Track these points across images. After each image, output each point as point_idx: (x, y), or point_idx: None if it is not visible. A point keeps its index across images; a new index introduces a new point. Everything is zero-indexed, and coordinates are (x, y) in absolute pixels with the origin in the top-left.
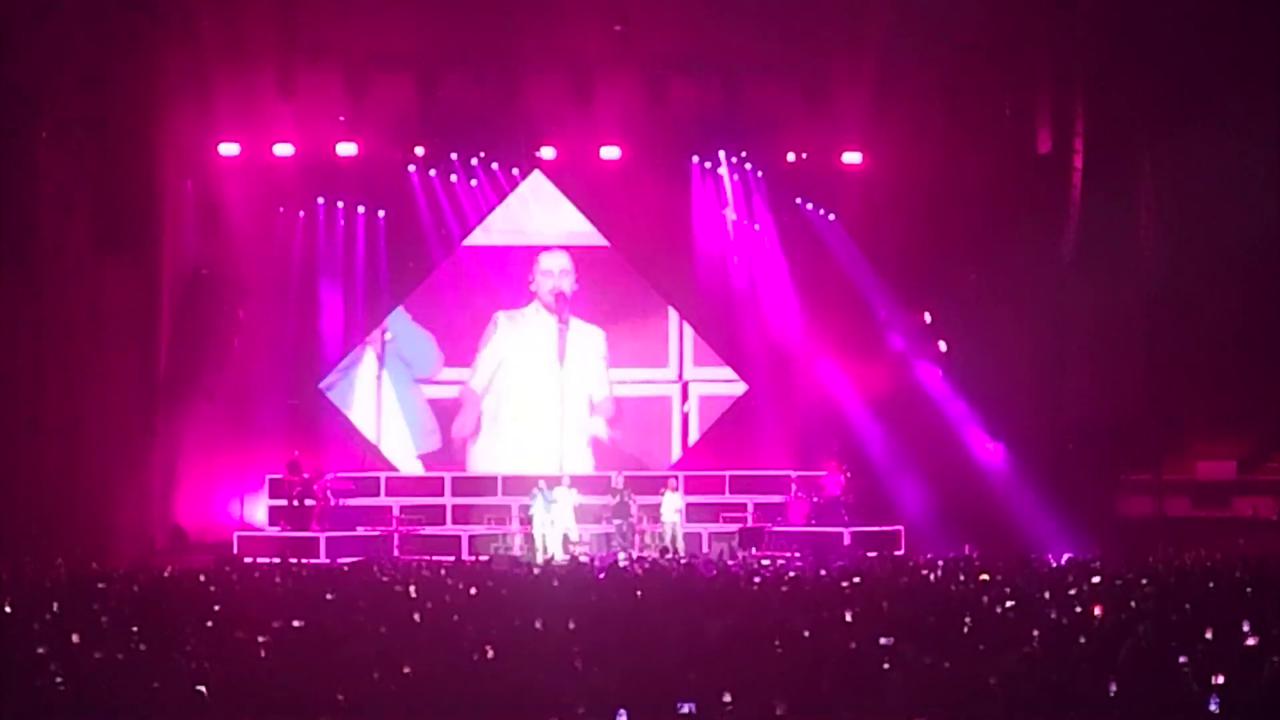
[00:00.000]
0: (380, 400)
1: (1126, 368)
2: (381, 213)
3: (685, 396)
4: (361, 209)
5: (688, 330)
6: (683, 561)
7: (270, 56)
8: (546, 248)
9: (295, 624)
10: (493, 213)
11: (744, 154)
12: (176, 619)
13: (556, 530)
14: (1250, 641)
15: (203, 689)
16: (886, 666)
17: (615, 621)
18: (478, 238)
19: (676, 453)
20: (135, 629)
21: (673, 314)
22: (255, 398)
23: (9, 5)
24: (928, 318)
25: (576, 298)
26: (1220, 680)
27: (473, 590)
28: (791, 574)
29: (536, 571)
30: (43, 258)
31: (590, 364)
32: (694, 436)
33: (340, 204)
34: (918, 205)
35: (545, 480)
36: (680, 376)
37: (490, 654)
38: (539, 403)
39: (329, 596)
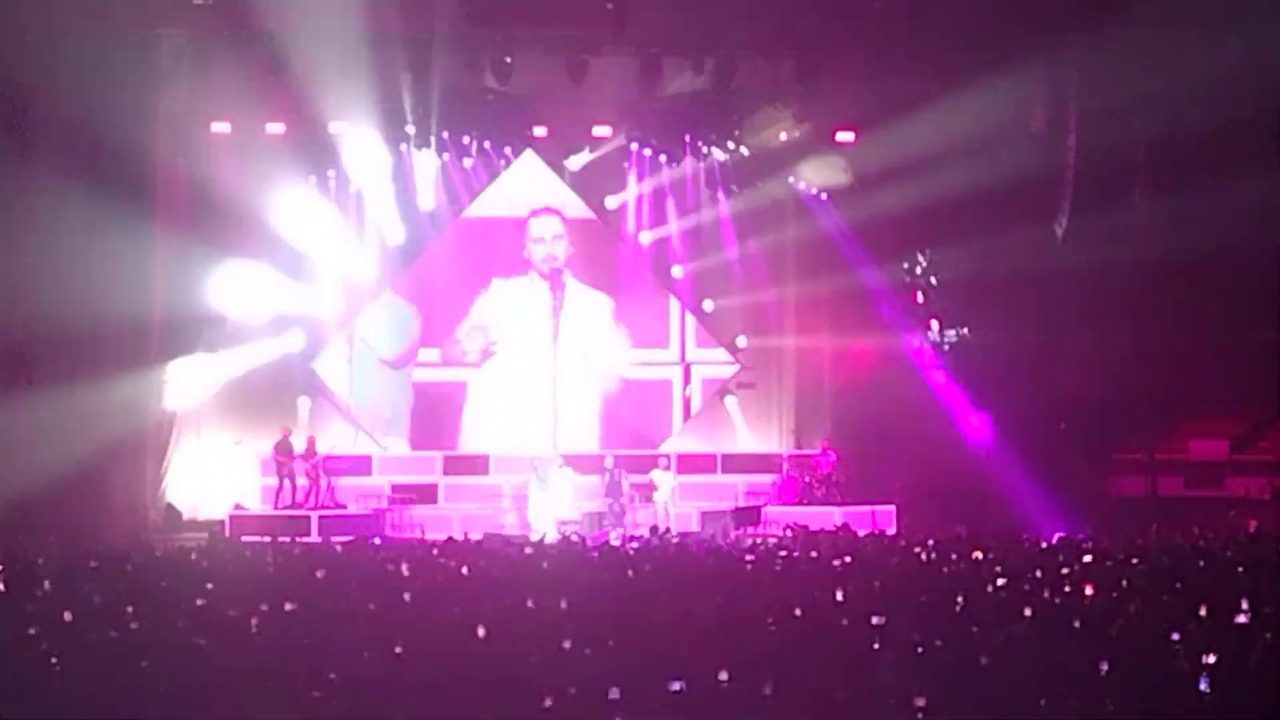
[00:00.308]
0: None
1: (1119, 347)
2: (373, 190)
3: (687, 379)
4: (353, 187)
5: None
6: (674, 541)
7: (264, 35)
8: (536, 212)
9: (287, 605)
10: (484, 191)
11: (737, 132)
12: (169, 598)
13: (550, 510)
14: (1241, 620)
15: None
16: (878, 645)
17: (607, 601)
18: (470, 214)
19: (673, 432)
20: (128, 608)
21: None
22: (248, 377)
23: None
24: (920, 297)
25: (574, 262)
26: (1211, 659)
27: (464, 569)
28: (783, 553)
29: (529, 551)
30: (36, 237)
31: (593, 332)
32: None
33: (331, 182)
34: (911, 184)
35: (539, 460)
36: (683, 359)
37: (481, 633)
38: (534, 379)
39: (320, 575)
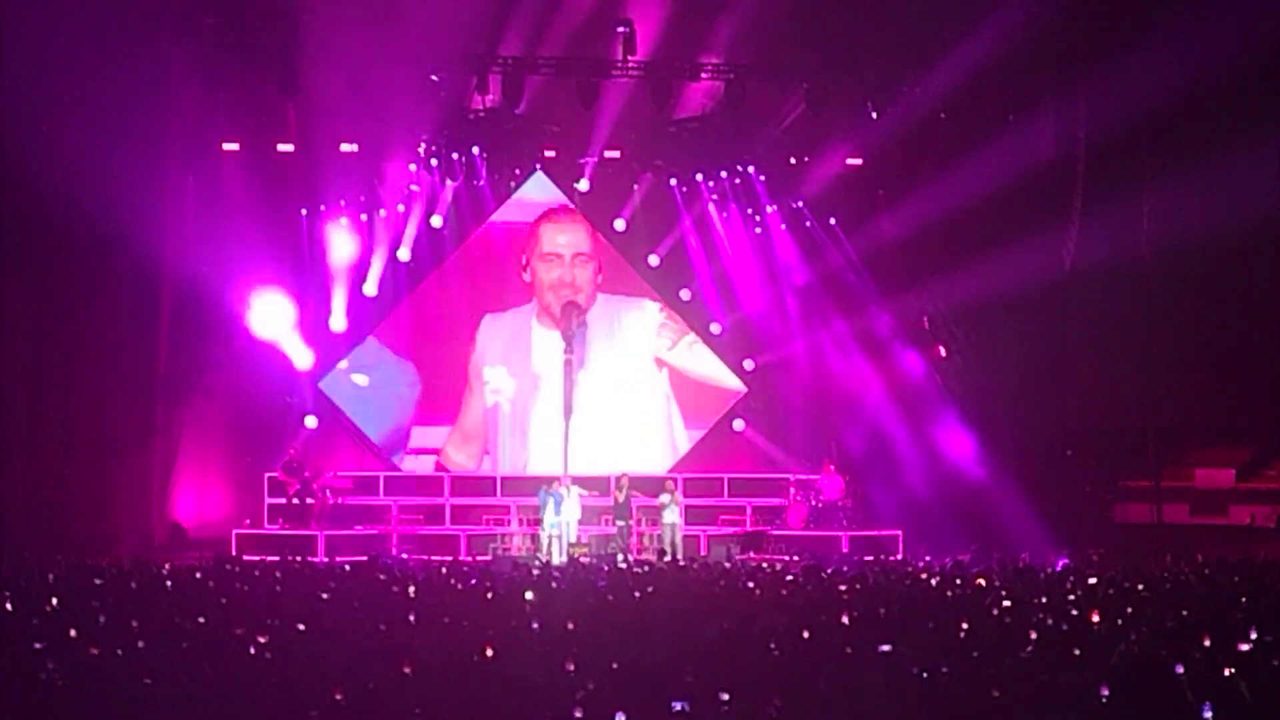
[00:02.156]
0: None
1: (1126, 374)
2: (382, 212)
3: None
4: (363, 208)
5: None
6: (680, 564)
7: (274, 54)
8: (550, 214)
9: (293, 625)
10: (494, 214)
11: (745, 157)
12: (174, 616)
13: (559, 531)
14: (1245, 648)
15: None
16: (882, 671)
17: (614, 623)
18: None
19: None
20: (133, 625)
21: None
22: (255, 395)
23: (13, 3)
24: (926, 323)
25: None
26: (1215, 687)
27: (471, 590)
28: (789, 577)
29: (536, 573)
30: (44, 254)
31: (639, 347)
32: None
33: (342, 202)
34: (919, 210)
35: (549, 481)
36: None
37: (489, 654)
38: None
39: (324, 596)
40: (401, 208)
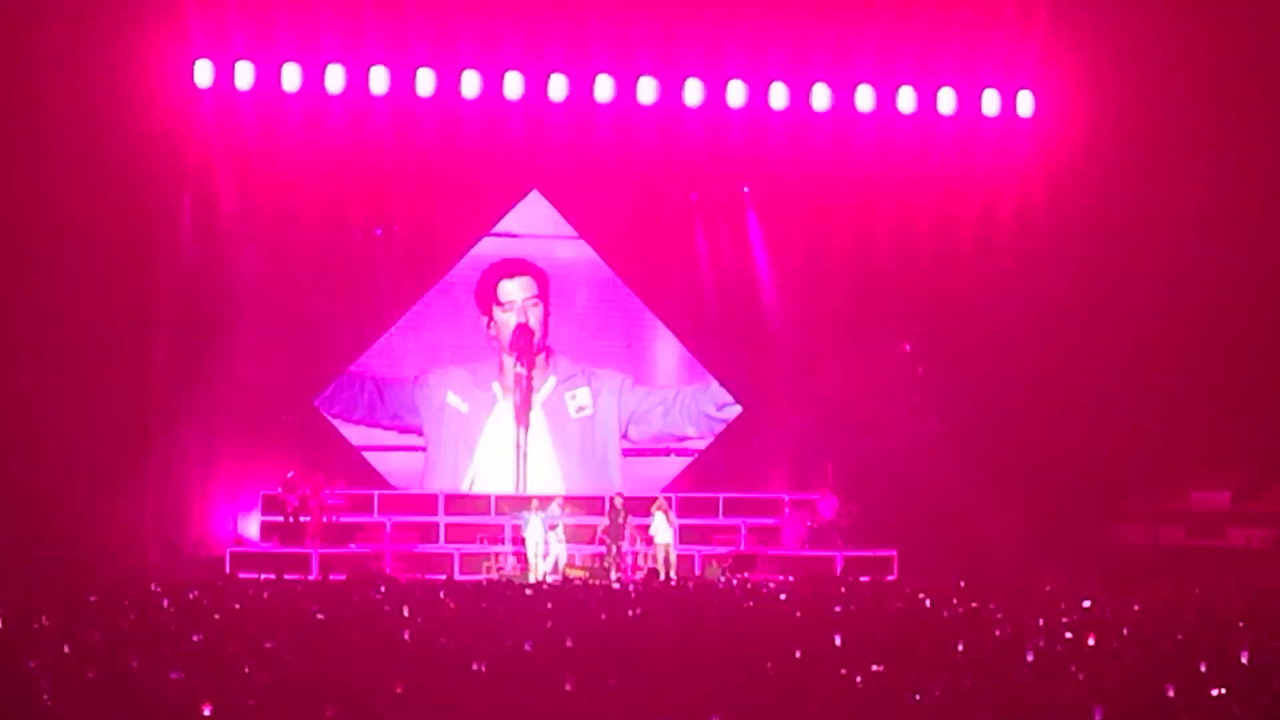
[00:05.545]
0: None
1: (1123, 396)
2: (379, 228)
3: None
4: (359, 223)
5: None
6: (674, 584)
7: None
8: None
9: (287, 643)
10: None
11: (739, 175)
12: (168, 634)
13: (550, 550)
14: (1239, 672)
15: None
16: (875, 692)
17: (606, 642)
18: (477, 252)
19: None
20: (126, 644)
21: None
22: (250, 414)
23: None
24: (910, 346)
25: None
26: (1209, 710)
27: (465, 610)
28: (783, 597)
29: (529, 592)
30: (40, 272)
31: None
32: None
33: (338, 218)
34: (917, 228)
35: (539, 499)
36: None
37: (481, 673)
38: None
39: (320, 614)
40: (398, 224)
